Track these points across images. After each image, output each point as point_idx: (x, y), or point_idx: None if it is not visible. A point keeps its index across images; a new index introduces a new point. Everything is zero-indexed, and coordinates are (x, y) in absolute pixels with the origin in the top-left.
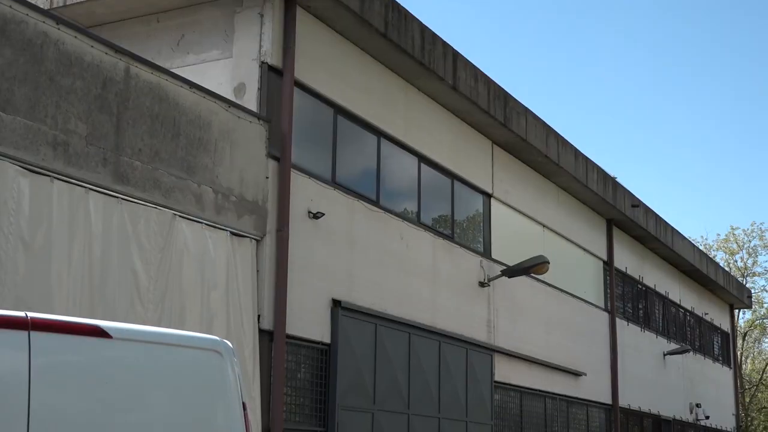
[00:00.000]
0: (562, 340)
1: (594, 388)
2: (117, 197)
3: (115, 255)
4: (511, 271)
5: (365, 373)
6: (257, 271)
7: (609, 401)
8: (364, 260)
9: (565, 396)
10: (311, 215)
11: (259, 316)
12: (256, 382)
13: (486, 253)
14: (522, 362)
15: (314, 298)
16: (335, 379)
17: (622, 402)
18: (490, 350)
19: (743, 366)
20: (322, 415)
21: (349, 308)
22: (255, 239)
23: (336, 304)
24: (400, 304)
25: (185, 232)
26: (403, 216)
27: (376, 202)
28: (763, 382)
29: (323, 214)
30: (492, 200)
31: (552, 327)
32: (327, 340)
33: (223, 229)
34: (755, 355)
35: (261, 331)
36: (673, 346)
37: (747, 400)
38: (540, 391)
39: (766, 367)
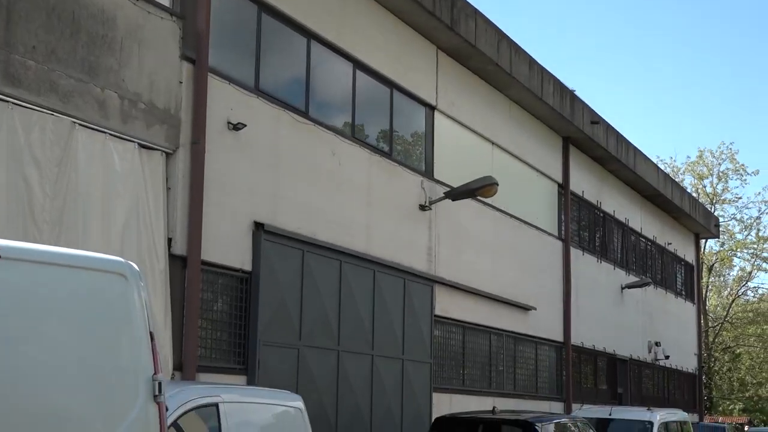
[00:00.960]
0: (510, 270)
1: (544, 324)
2: (7, 101)
3: (4, 168)
4: (455, 194)
5: (290, 304)
6: (168, 188)
7: (560, 338)
8: (290, 178)
9: (513, 332)
10: (231, 126)
11: (170, 239)
12: (167, 314)
13: (428, 173)
14: (465, 294)
15: (233, 221)
16: (257, 311)
17: (575, 339)
18: (431, 281)
19: (708, 302)
20: (241, 351)
21: (273, 232)
22: (166, 152)
23: (258, 227)
24: (330, 228)
25: (86, 142)
26: (335, 129)
27: (305, 113)
28: (729, 320)
29: (244, 126)
30: (435, 113)
31: (499, 256)
32: (248, 267)
33: (130, 141)
34: (721, 290)
35: (173, 257)
36: (633, 278)
37: (711, 339)
38: (485, 326)
39: (732, 303)
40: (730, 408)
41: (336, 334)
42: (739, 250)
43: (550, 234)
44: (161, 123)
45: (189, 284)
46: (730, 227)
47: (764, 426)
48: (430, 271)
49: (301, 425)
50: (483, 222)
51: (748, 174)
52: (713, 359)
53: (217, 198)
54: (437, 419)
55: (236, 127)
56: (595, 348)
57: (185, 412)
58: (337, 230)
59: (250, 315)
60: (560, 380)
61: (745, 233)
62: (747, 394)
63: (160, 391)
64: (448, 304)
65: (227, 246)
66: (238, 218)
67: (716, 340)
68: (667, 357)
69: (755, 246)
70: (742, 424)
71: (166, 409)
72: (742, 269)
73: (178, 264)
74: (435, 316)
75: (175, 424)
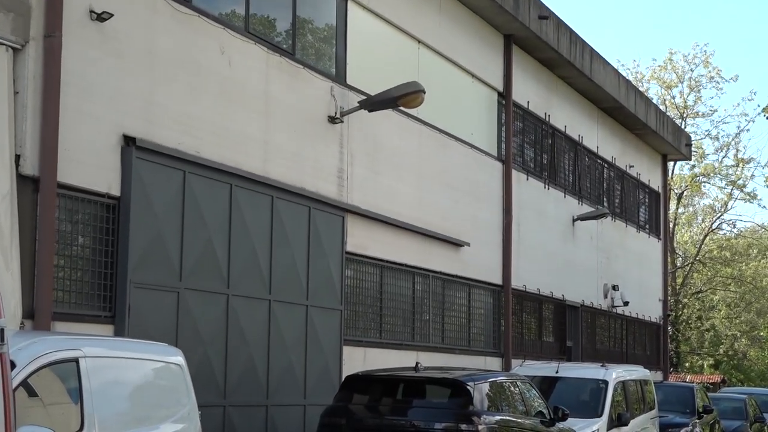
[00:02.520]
0: (439, 198)
1: (480, 263)
2: None
3: None
4: (372, 103)
5: (169, 238)
6: (16, 93)
7: (499, 281)
8: (169, 82)
9: (442, 273)
10: (94, 16)
11: (18, 156)
12: (14, 248)
13: (339, 78)
14: (384, 227)
15: (98, 134)
16: (127, 245)
17: (516, 282)
18: (342, 210)
19: (676, 237)
20: (107, 295)
21: (147, 148)
22: (13, 48)
23: (129, 142)
24: (218, 144)
25: None
26: (224, 22)
27: (186, 1)
28: (701, 260)
29: (111, 16)
30: (349, 4)
31: (426, 180)
32: (116, 191)
33: None
34: (692, 223)
35: (21, 178)
36: (587, 208)
37: (679, 281)
38: (408, 266)
39: (705, 239)
40: (699, 364)
41: (225, 275)
42: (713, 175)
43: (487, 154)
44: (6, 11)
45: (42, 212)
46: (703, 147)
47: (742, 386)
48: (342, 198)
49: (182, 385)
50: (406, 138)
51: (725, 81)
52: (681, 306)
53: (77, 105)
54: (348, 378)
55: (101, 17)
56: (540, 292)
57: (37, 369)
58: (226, 147)
59: (118, 251)
60: (498, 331)
61: (721, 154)
62: (721, 349)
63: (2, 339)
64: (363, 239)
65: (90, 165)
66: (104, 131)
67: (686, 283)
68: (626, 303)
69: (732, 170)
70: (715, 384)
71: (12, 366)
72: (717, 198)
73: (28, 187)
74: (347, 253)
75: (24, 383)
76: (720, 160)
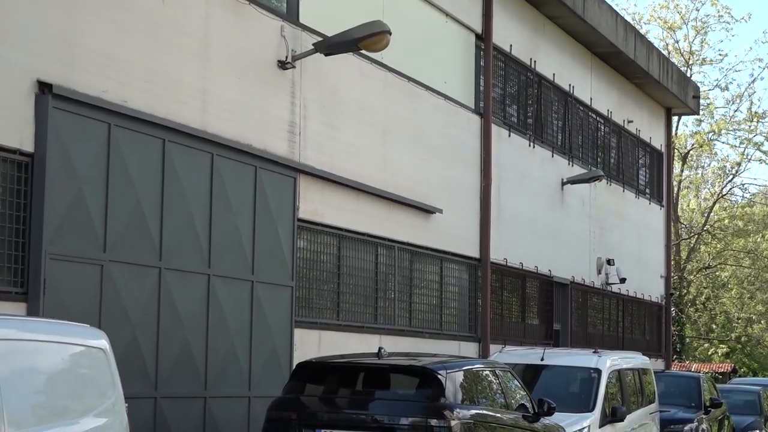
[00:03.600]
0: (407, 156)
1: (454, 232)
2: None
3: None
4: (329, 45)
5: (92, 201)
6: None
7: (476, 253)
8: (90, 19)
9: (410, 245)
10: None
11: None
12: None
13: (291, 16)
14: (343, 190)
15: (6, 79)
16: (42, 210)
17: (496, 255)
18: (294, 170)
19: (681, 204)
20: (19, 268)
21: (65, 97)
22: None
23: (44, 89)
24: (149, 92)
25: None
26: None
27: None
28: (710, 230)
29: None
30: None
31: (392, 137)
32: (29, 147)
33: None
34: (699, 188)
35: None
36: (578, 170)
37: (684, 255)
38: (370, 235)
39: (714, 206)
40: (709, 353)
41: (157, 245)
42: (723, 131)
43: (463, 106)
44: None
45: None
46: (711, 98)
47: (755, 376)
48: (293, 157)
49: (105, 373)
50: (369, 87)
51: (735, 21)
52: (687, 284)
53: None
54: (300, 365)
55: None
56: (524, 267)
57: None
58: (159, 95)
59: (32, 216)
60: (474, 312)
61: (732, 108)
62: (733, 334)
63: None
64: (317, 204)
65: None
66: (14, 75)
67: (692, 257)
68: (622, 280)
69: (745, 126)
70: (725, 374)
71: None
72: (727, 159)
73: None
74: (299, 220)
75: None
76: (731, 114)
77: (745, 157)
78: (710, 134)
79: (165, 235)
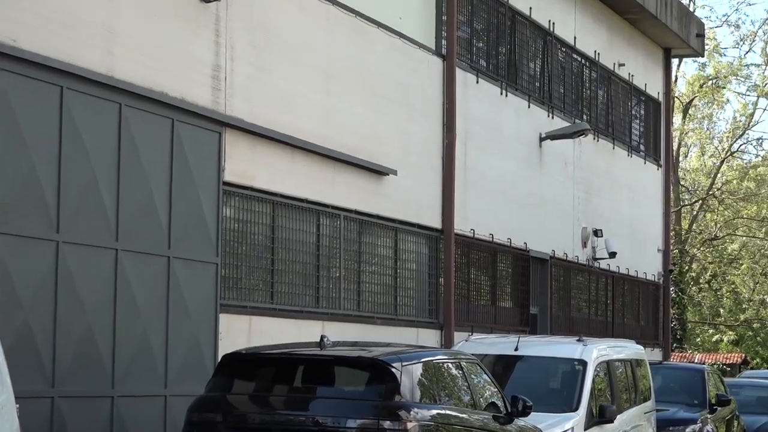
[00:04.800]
0: (354, 107)
1: (411, 198)
2: None
3: None
4: None
5: None
6: None
7: (437, 223)
8: None
9: (358, 212)
10: None
11: None
12: None
13: None
14: (278, 148)
15: None
16: None
17: (462, 225)
18: (218, 124)
19: (682, 163)
20: None
21: None
22: None
23: None
24: (43, 30)
25: None
26: None
27: None
28: (716, 194)
29: None
30: None
31: (337, 83)
32: None
33: None
34: (704, 145)
35: None
36: (559, 123)
37: (685, 225)
38: (311, 202)
39: (721, 165)
40: (715, 340)
41: (53, 213)
42: (733, 76)
43: (422, 47)
44: None
45: None
46: (717, 39)
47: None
48: (218, 107)
49: None
50: (309, 24)
51: None
52: (689, 259)
53: None
54: (226, 358)
55: None
56: (495, 240)
57: None
58: (55, 34)
59: None
60: (435, 294)
61: (743, 49)
62: (743, 316)
63: None
64: (247, 164)
65: None
66: None
67: (695, 227)
68: (612, 255)
69: (758, 70)
70: (733, 366)
71: None
72: (743, 110)
73: None
74: (225, 183)
75: None
76: (742, 56)
77: (757, 106)
78: (715, 80)
79: (63, 202)
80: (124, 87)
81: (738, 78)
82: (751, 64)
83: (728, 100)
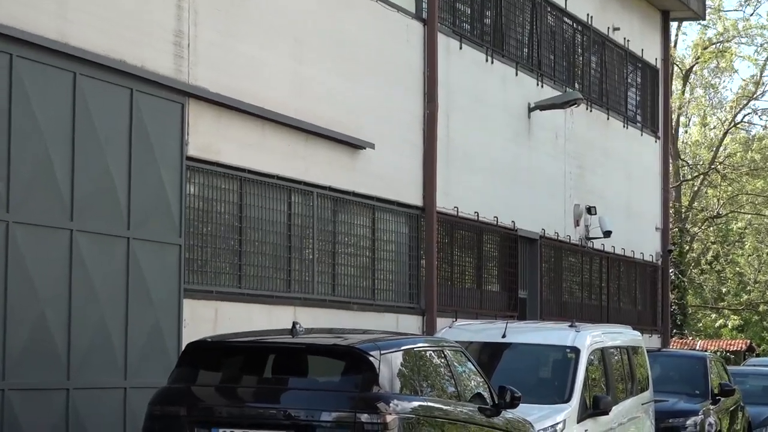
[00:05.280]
0: (328, 76)
1: (390, 174)
2: None
3: None
4: None
5: None
6: None
7: (418, 201)
8: None
9: (332, 189)
10: None
11: None
12: None
13: None
14: (246, 120)
15: None
16: None
17: (445, 203)
18: (181, 94)
19: (682, 135)
20: None
21: None
22: None
23: None
24: None
25: None
26: None
27: None
28: (719, 168)
29: None
30: None
31: (309, 50)
32: None
33: None
34: (706, 115)
35: None
36: (549, 92)
37: (686, 201)
38: (282, 178)
39: (724, 137)
40: (716, 325)
41: (2, 191)
42: (741, 35)
43: (401, 10)
44: None
45: None
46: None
47: None
48: (181, 76)
49: None
50: None
51: None
52: (690, 238)
53: None
54: (191, 346)
55: None
56: (480, 218)
57: None
58: None
59: None
60: (416, 277)
61: (747, 9)
62: (746, 297)
63: None
64: (213, 137)
65: None
66: None
67: (696, 204)
68: (607, 234)
69: (764, 33)
70: (738, 353)
71: None
72: (750, 80)
73: None
74: (189, 158)
75: None
76: (746, 18)
77: (765, 69)
78: (719, 43)
79: (14, 179)
80: (78, 54)
81: (746, 35)
82: (758, 27)
83: (735, 68)
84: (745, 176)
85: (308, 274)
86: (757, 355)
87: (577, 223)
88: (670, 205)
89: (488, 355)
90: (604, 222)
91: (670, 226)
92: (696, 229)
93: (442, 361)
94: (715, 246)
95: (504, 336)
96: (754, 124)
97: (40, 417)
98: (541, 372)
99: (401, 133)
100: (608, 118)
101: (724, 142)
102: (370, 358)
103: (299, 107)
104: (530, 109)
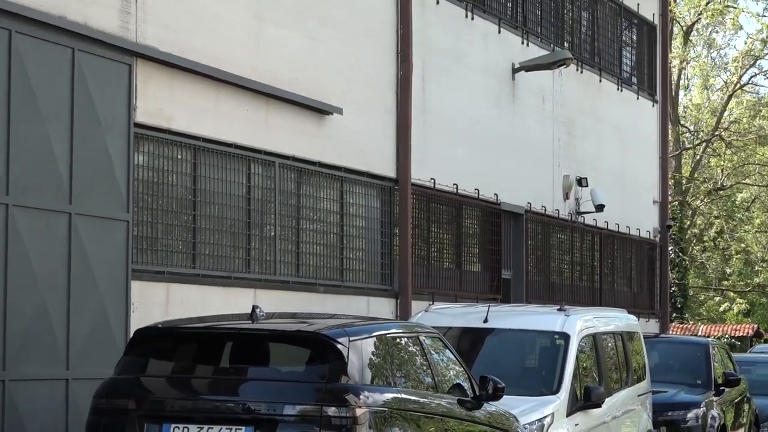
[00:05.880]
0: (290, 32)
1: (359, 142)
2: None
3: None
4: None
5: None
6: None
7: (391, 171)
8: None
9: (296, 159)
10: None
11: None
12: None
13: None
14: (200, 82)
15: None
16: None
17: (420, 174)
18: (128, 53)
19: (682, 98)
20: None
21: None
22: None
23: None
24: None
25: None
26: None
27: None
28: (723, 135)
29: None
30: None
31: (270, 4)
32: None
33: None
34: (708, 77)
35: None
36: (536, 52)
37: (686, 172)
38: (240, 147)
39: (729, 101)
40: (721, 309)
41: None
42: None
43: None
44: None
45: None
46: None
47: None
48: (127, 34)
49: None
50: None
51: None
52: (691, 213)
53: None
54: (140, 333)
55: None
56: (459, 191)
57: None
58: None
59: None
60: (389, 256)
61: None
62: (755, 281)
63: None
64: (163, 102)
65: None
66: None
67: (698, 174)
68: (600, 208)
69: None
70: (744, 339)
71: None
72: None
73: None
74: (137, 125)
75: None
76: None
77: None
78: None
79: None
80: (13, 10)
81: None
82: None
83: (740, 24)
84: (752, 144)
85: (270, 253)
86: (765, 341)
87: (566, 196)
88: (670, 176)
89: (468, 342)
90: (597, 194)
91: (669, 199)
92: (698, 202)
93: (418, 348)
94: (719, 221)
95: (486, 321)
96: (760, 86)
97: None
98: (527, 360)
99: (372, 97)
100: (601, 80)
101: (729, 106)
102: (338, 346)
103: (260, 68)
104: (515, 70)
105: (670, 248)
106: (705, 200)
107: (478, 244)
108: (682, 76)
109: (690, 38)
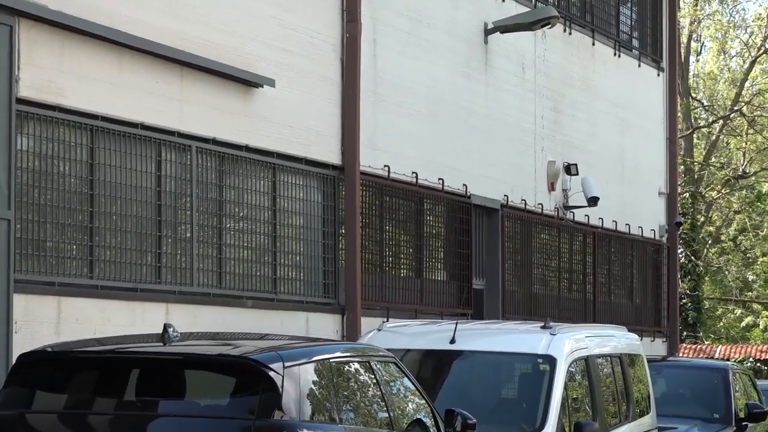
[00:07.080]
0: None
1: (296, 121)
2: None
3: None
4: None
5: None
6: None
7: (335, 158)
8: None
9: (219, 143)
10: None
11: None
12: None
13: None
14: (99, 48)
15: None
16: None
17: (371, 160)
18: (9, 12)
19: (693, 66)
20: None
21: None
22: None
23: None
24: None
25: None
26: None
27: None
28: (743, 110)
29: None
30: None
31: None
32: None
33: None
34: (725, 41)
35: None
36: (514, 9)
37: (699, 156)
38: (148, 128)
39: (751, 69)
40: (742, 324)
41: None
42: None
43: None
44: None
45: None
46: None
47: None
48: None
49: None
50: None
51: None
52: (705, 206)
53: None
54: (24, 359)
55: None
56: (420, 181)
57: None
58: None
59: None
60: (333, 261)
61: None
62: None
63: None
64: (54, 72)
65: None
66: None
67: (714, 159)
68: (593, 201)
69: None
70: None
71: None
72: None
73: None
74: (19, 101)
75: None
76: None
77: None
78: None
79: None
80: None
81: None
82: None
83: None
84: None
85: (185, 259)
86: None
87: (552, 187)
88: (679, 161)
89: (431, 368)
90: (589, 185)
91: (679, 189)
92: (714, 193)
93: (370, 376)
94: (739, 216)
95: (453, 342)
96: None
97: None
98: (504, 390)
99: (311, 65)
100: (594, 44)
101: (751, 74)
102: (270, 373)
103: (172, 31)
104: (488, 32)
105: (679, 251)
106: (722, 191)
107: (443, 247)
108: (693, 39)
109: None
